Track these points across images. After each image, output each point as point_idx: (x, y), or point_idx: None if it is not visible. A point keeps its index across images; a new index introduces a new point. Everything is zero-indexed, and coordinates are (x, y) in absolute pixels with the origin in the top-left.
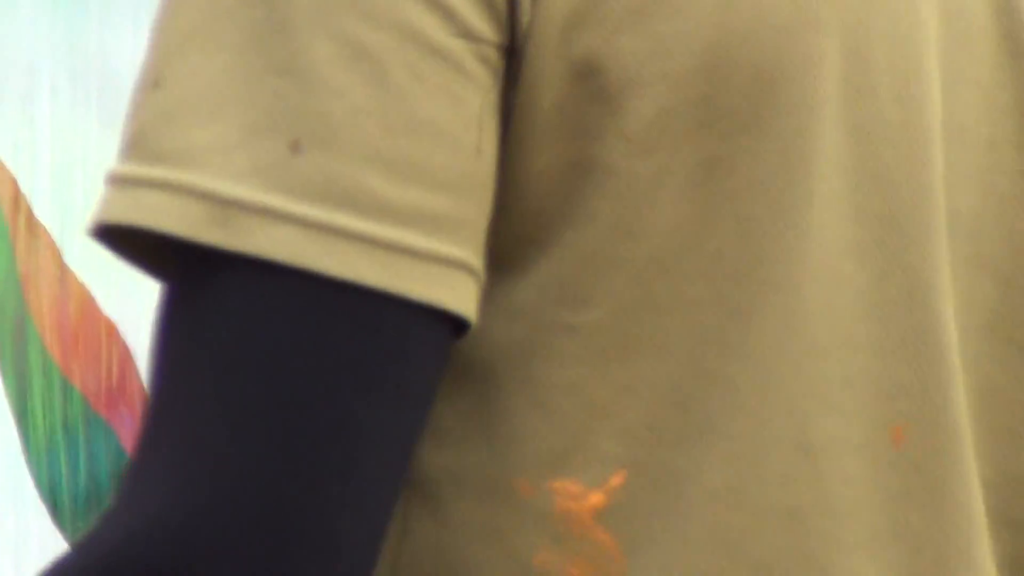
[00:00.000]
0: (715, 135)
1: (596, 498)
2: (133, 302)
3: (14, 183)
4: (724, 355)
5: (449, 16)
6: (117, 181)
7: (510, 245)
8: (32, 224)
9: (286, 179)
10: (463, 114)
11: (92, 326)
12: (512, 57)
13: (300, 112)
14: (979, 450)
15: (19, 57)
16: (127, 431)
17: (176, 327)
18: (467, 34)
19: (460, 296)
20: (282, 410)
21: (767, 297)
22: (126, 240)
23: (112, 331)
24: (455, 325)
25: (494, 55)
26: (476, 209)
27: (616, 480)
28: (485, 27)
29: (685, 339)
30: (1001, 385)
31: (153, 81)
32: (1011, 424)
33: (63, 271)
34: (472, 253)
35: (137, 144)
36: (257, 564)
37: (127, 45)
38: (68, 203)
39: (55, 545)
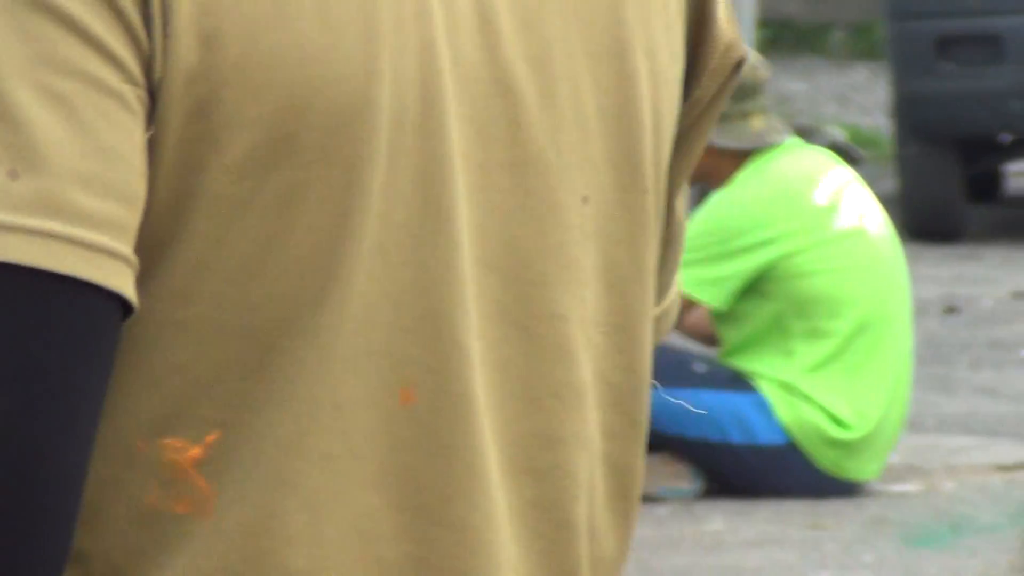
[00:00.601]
0: (296, 164)
1: (195, 451)
2: None
3: None
4: (296, 336)
5: (121, 67)
6: None
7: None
8: None
9: (8, 199)
10: (134, 143)
11: None
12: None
13: (13, 147)
14: (498, 413)
15: None
16: None
17: None
18: (132, 81)
19: (134, 290)
20: (23, 377)
21: (330, 289)
22: None
23: None
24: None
25: (146, 99)
26: (138, 220)
27: (211, 438)
28: (140, 77)
29: (268, 325)
30: (514, 360)
31: None
32: (523, 391)
33: None
34: (134, 256)
35: None
36: (7, 498)
37: None
38: None
39: None
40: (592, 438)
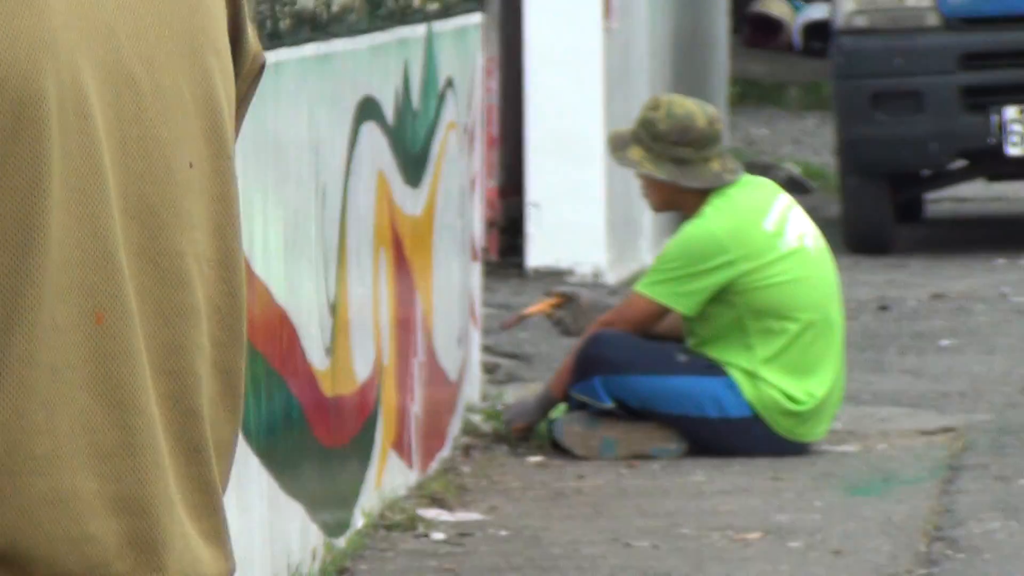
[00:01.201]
0: None
1: None
2: (297, 297)
3: None
4: (15, 276)
5: None
6: None
7: None
8: None
9: None
10: None
11: (271, 312)
12: None
13: None
14: (144, 328)
15: None
16: (293, 383)
17: None
18: None
19: None
20: None
21: (32, 238)
22: None
23: (283, 317)
24: None
25: None
26: None
27: None
28: None
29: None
30: (150, 288)
31: None
32: (157, 311)
33: (250, 274)
34: None
35: None
36: None
37: None
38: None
39: (242, 455)
40: (206, 347)
